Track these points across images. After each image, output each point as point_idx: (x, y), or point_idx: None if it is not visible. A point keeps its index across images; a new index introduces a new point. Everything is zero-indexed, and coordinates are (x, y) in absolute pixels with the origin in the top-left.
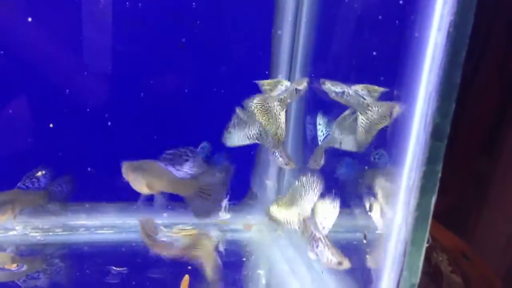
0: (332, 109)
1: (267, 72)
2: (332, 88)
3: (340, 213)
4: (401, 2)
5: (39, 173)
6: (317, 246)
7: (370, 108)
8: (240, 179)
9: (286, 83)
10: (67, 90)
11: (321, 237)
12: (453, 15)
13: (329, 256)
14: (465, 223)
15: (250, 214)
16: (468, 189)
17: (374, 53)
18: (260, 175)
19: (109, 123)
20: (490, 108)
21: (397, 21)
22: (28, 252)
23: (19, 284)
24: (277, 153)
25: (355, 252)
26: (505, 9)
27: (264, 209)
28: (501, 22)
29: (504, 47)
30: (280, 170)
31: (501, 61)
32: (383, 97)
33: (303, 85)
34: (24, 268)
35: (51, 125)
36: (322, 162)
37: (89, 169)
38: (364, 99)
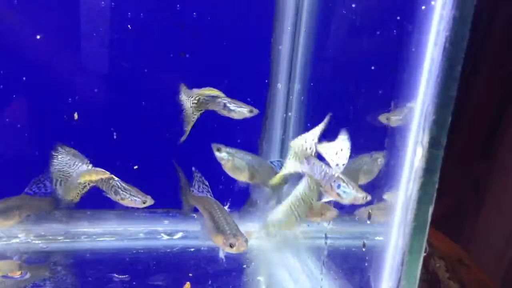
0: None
1: (266, 81)
2: None
3: (340, 219)
4: (398, 18)
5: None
6: (338, 186)
7: None
8: (240, 186)
9: None
10: (70, 99)
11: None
12: (448, 31)
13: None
14: (463, 227)
15: (250, 221)
16: (465, 193)
17: (373, 68)
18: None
19: (112, 129)
20: (487, 113)
21: (394, 36)
22: (31, 259)
23: None
24: None
25: (355, 260)
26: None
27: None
28: (499, 24)
29: (502, 50)
30: None
31: (499, 64)
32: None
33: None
34: (28, 275)
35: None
36: None
37: None
38: None
